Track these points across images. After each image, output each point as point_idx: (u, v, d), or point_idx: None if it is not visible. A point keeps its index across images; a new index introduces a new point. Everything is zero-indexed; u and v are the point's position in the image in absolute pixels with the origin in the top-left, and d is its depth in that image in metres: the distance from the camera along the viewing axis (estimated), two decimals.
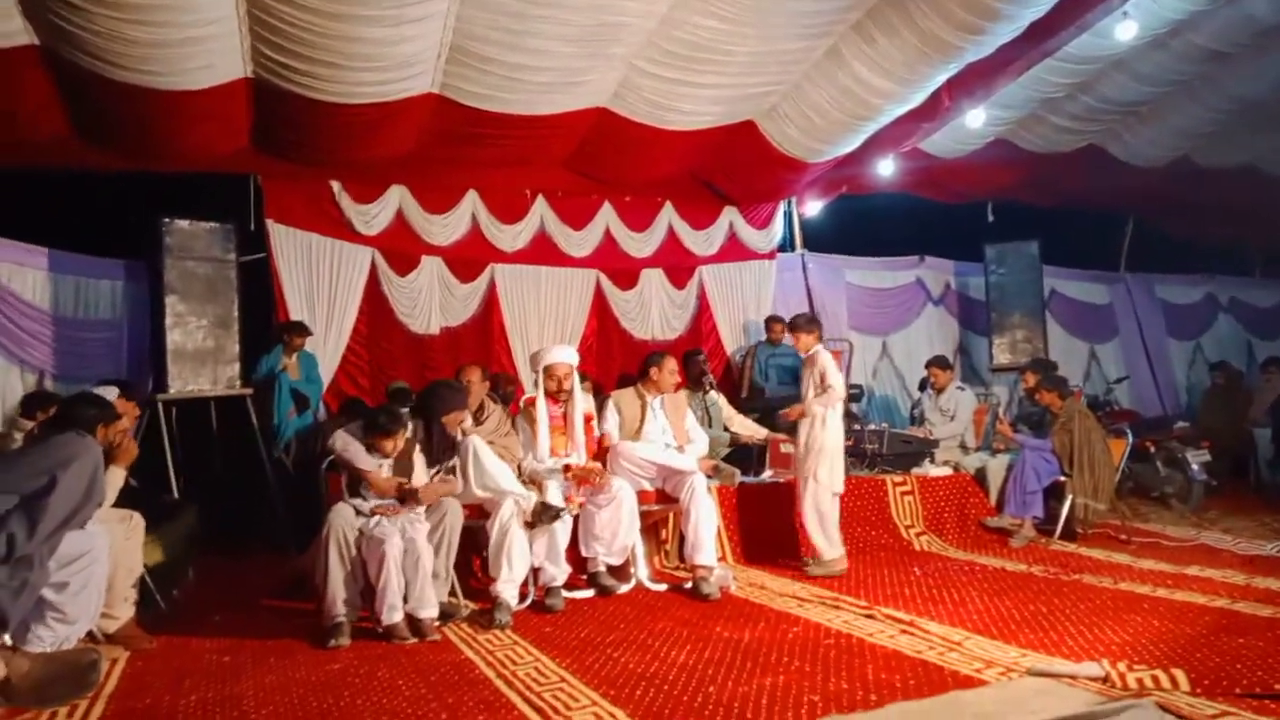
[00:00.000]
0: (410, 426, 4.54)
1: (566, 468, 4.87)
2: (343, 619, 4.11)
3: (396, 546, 4.12)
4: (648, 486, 5.17)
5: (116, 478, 4.04)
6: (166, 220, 6.42)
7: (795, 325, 5.71)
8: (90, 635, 3.90)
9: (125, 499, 4.38)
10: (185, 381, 6.39)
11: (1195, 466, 7.00)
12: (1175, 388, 11.19)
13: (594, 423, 5.15)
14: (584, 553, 4.97)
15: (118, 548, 3.98)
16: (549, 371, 5.05)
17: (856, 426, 7.15)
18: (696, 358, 7.33)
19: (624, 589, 4.96)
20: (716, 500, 5.55)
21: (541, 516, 4.61)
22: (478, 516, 4.66)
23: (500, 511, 4.53)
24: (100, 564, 3.72)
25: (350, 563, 4.16)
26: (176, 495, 6.25)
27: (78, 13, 4.98)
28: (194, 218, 6.55)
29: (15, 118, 5.88)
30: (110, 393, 4.78)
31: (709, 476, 5.42)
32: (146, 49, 5.29)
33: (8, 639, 3.43)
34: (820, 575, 5.15)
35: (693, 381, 6.89)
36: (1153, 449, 7.34)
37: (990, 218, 10.07)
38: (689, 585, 4.90)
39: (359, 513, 4.29)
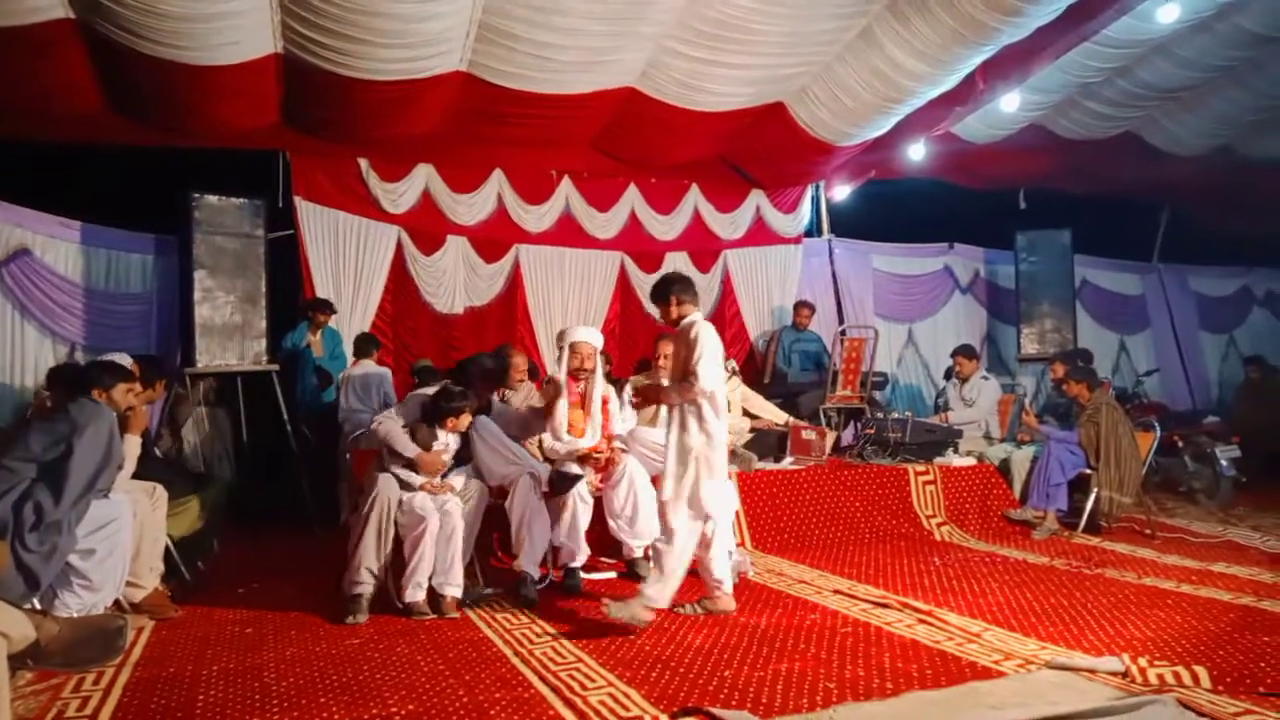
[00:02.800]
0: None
1: (580, 457, 4.87)
2: (362, 591, 4.14)
3: (435, 523, 4.16)
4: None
5: (133, 445, 4.10)
6: (196, 195, 6.47)
7: (657, 294, 4.23)
8: (117, 604, 3.98)
9: (151, 471, 4.46)
10: (213, 356, 6.46)
11: (1224, 462, 6.89)
12: (1207, 382, 11.02)
13: (610, 405, 5.15)
14: (615, 535, 4.97)
15: (143, 518, 4.06)
16: (573, 349, 5.06)
17: (879, 414, 7.11)
18: None
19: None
20: (736, 485, 5.53)
21: (559, 484, 4.62)
22: (497, 497, 4.69)
23: (519, 487, 4.56)
24: (125, 532, 3.80)
25: (384, 535, 4.18)
26: (203, 468, 6.34)
27: None
28: (223, 193, 6.60)
29: (50, 91, 5.95)
30: (124, 361, 4.86)
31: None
32: (178, 23, 5.32)
33: (37, 603, 3.50)
34: (700, 612, 4.01)
35: None
36: (1181, 443, 7.24)
37: (1022, 205, 9.93)
38: None
39: (405, 485, 4.29)
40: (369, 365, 6.50)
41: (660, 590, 3.93)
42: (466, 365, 4.78)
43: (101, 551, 3.67)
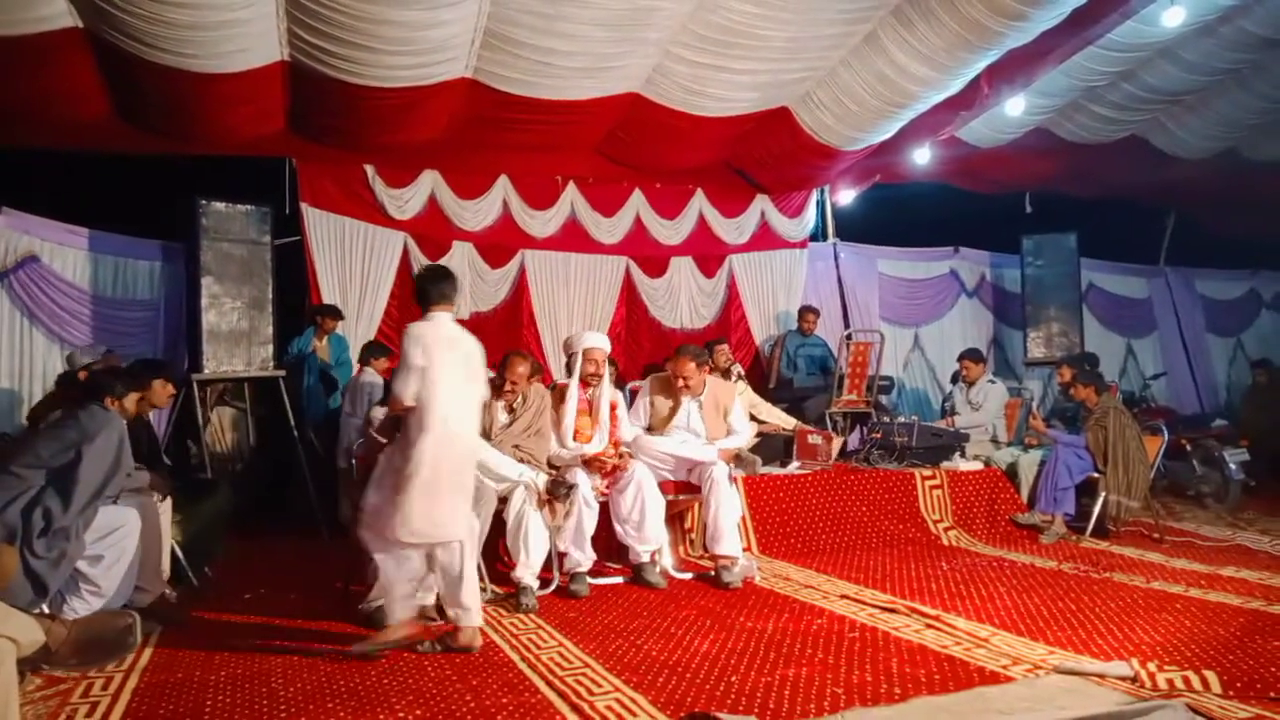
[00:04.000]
0: None
1: (586, 461, 4.85)
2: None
3: None
4: (669, 477, 5.15)
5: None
6: (203, 202, 6.50)
7: (414, 294, 3.97)
8: (125, 609, 3.98)
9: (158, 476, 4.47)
10: (220, 362, 6.48)
11: (1233, 465, 6.87)
12: (1214, 385, 10.98)
13: (619, 411, 5.14)
14: (621, 540, 4.95)
15: (151, 523, 4.06)
16: (587, 355, 5.04)
17: (886, 419, 7.10)
18: (718, 347, 7.24)
19: (663, 583, 4.83)
20: (741, 490, 5.53)
21: (555, 491, 4.61)
22: (499, 502, 4.68)
23: (513, 499, 4.55)
24: (133, 538, 3.80)
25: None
26: (210, 474, 6.36)
27: None
28: (230, 200, 6.63)
29: (58, 99, 5.99)
30: (97, 354, 4.87)
31: (730, 465, 5.39)
32: (185, 31, 5.35)
33: (45, 609, 3.51)
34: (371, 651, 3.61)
35: (720, 372, 6.85)
36: (1189, 447, 7.21)
37: (1028, 209, 9.92)
38: (713, 574, 4.89)
39: None
40: (368, 373, 6.47)
41: (394, 606, 3.68)
42: None
43: (109, 557, 3.68)
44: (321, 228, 7.26)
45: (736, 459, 5.52)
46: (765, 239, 8.91)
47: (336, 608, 4.36)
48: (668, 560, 5.12)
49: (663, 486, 5.03)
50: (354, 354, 7.09)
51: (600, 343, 5.10)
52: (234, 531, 5.50)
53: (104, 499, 3.59)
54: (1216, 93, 8.29)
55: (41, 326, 6.32)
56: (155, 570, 4.16)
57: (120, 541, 3.71)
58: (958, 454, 6.63)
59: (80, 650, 3.40)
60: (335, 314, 6.91)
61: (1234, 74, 8.02)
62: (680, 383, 5.27)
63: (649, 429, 5.35)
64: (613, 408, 5.10)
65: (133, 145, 6.63)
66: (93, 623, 3.52)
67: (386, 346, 6.79)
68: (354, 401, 6.26)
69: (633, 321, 8.41)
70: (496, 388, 4.92)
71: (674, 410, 5.35)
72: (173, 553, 4.43)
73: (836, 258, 9.36)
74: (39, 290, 6.32)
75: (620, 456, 4.89)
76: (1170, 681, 3.09)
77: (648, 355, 8.13)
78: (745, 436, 5.67)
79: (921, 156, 8.38)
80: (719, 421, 5.39)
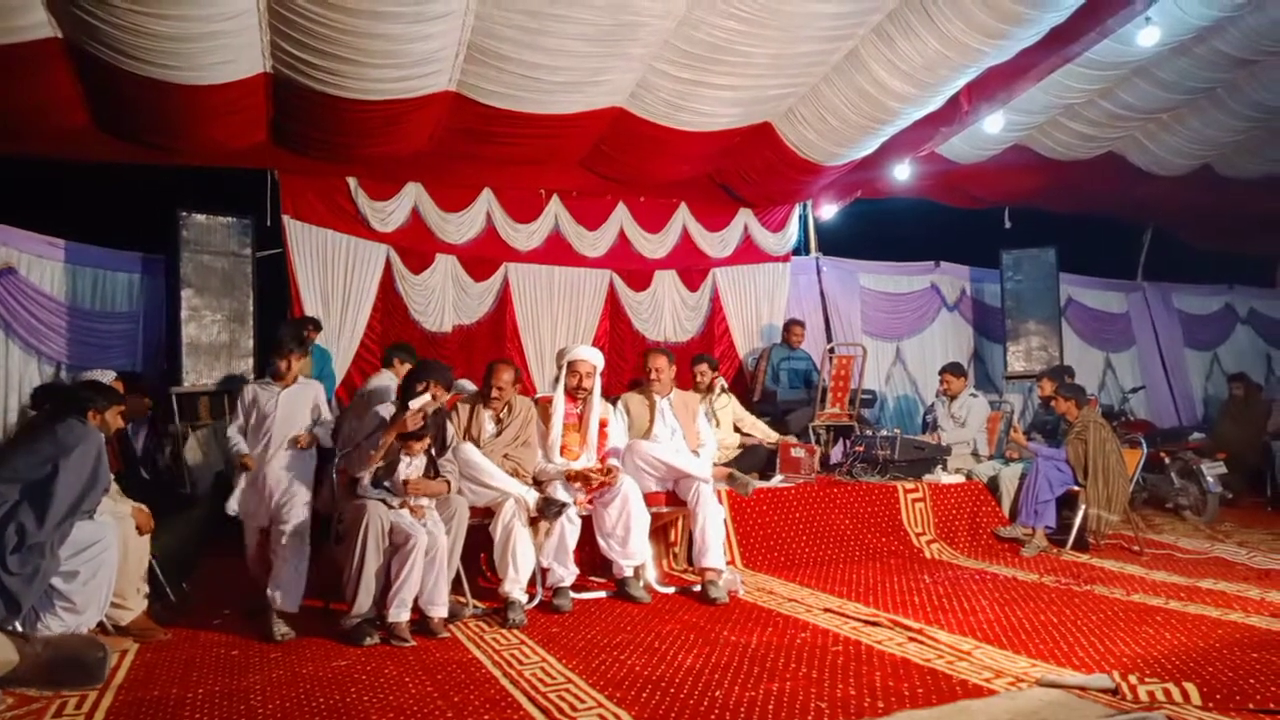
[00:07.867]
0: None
1: (569, 475, 4.81)
2: (368, 615, 4.09)
3: (424, 540, 4.11)
4: (656, 487, 5.13)
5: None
6: (184, 214, 6.46)
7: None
8: (101, 626, 3.92)
9: (137, 491, 4.42)
10: (199, 375, 6.42)
11: (1210, 479, 6.94)
12: (1191, 399, 11.10)
13: (609, 427, 5.10)
14: (605, 554, 4.92)
15: (129, 539, 4.01)
16: (572, 367, 5.02)
17: (868, 432, 7.12)
18: (699, 365, 7.17)
19: (646, 597, 4.82)
20: (726, 503, 5.52)
21: (546, 511, 4.58)
22: (483, 516, 4.65)
23: (502, 512, 4.52)
24: (110, 553, 3.75)
25: (383, 558, 4.10)
26: (188, 488, 6.28)
27: (100, 6, 5.03)
28: (211, 212, 6.59)
29: (37, 110, 5.94)
30: (107, 376, 4.84)
31: (721, 481, 5.37)
32: (168, 43, 5.33)
33: (18, 626, 3.45)
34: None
35: (703, 388, 6.81)
36: (1167, 460, 7.29)
37: (1007, 224, 10.02)
38: (697, 589, 4.88)
39: (388, 505, 4.23)
40: (385, 375, 6.21)
41: None
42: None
43: (85, 573, 3.62)
44: (303, 240, 7.22)
45: (729, 478, 5.48)
46: (749, 253, 8.95)
47: (316, 624, 4.32)
48: (651, 574, 5.10)
49: (649, 498, 5.00)
50: (336, 366, 7.05)
51: (587, 355, 5.06)
52: (213, 546, 5.43)
53: (81, 514, 3.54)
54: (1192, 111, 8.43)
55: (18, 339, 6.24)
56: (133, 586, 4.11)
57: (96, 557, 3.66)
58: (939, 467, 6.66)
59: (49, 672, 3.35)
60: (315, 325, 6.85)
61: (1208, 93, 8.15)
62: (652, 374, 5.34)
63: None
64: (602, 424, 5.06)
65: (112, 155, 6.57)
66: (64, 645, 3.46)
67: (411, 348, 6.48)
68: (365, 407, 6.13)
69: (616, 335, 8.41)
70: (484, 397, 4.90)
71: (652, 413, 5.34)
72: (150, 568, 4.37)
73: (819, 272, 9.42)
74: (16, 303, 6.24)
75: (608, 472, 4.84)
76: (1151, 694, 3.11)
77: (632, 369, 8.12)
78: (713, 446, 5.66)
79: (902, 172, 8.45)
80: (690, 424, 5.44)
